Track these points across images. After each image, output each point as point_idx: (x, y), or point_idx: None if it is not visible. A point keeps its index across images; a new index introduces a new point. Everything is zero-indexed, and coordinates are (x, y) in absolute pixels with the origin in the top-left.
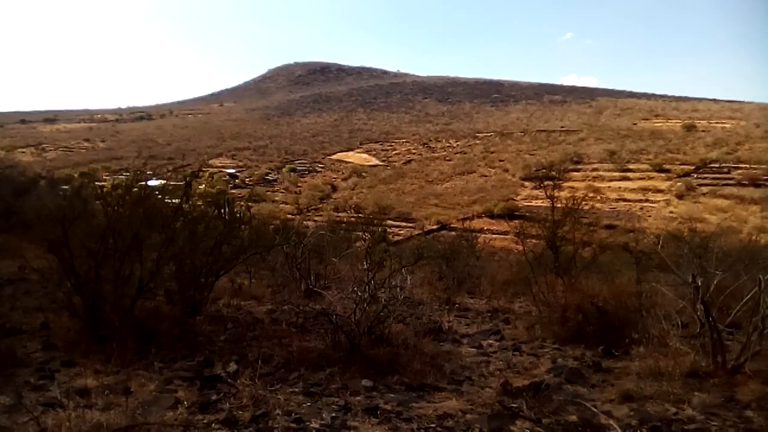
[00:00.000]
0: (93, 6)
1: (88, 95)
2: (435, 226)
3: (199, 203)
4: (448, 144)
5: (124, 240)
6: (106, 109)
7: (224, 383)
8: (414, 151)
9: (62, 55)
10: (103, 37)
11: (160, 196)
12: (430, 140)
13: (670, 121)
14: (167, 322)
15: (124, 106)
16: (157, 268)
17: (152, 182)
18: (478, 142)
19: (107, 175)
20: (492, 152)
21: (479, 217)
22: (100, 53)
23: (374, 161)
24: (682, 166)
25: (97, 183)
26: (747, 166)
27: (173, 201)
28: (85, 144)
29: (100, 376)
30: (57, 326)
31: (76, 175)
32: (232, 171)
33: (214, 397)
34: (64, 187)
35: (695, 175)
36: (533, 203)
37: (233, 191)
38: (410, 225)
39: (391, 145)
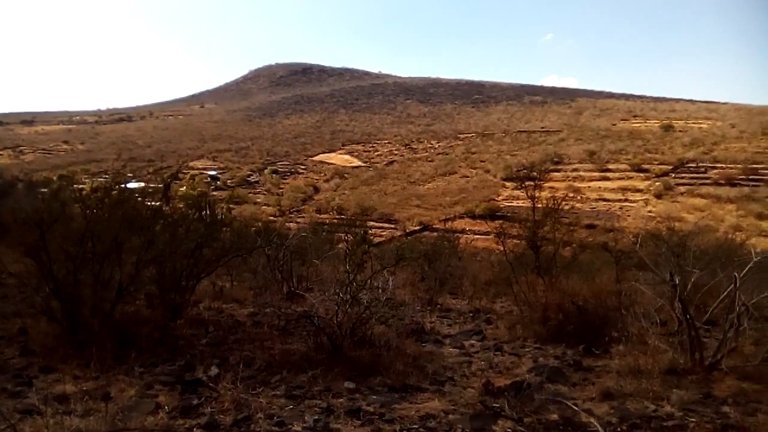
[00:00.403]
0: (71, 6)
1: (67, 97)
2: (417, 227)
3: (180, 205)
4: (429, 145)
5: (103, 243)
6: (85, 110)
7: (205, 387)
8: (396, 152)
9: (40, 56)
10: (81, 37)
11: (139, 199)
12: (412, 141)
13: (648, 121)
14: (147, 326)
15: (103, 107)
16: (137, 272)
17: (132, 185)
18: (459, 143)
19: (86, 178)
20: (473, 153)
21: (461, 217)
22: (79, 54)
23: (356, 162)
24: (660, 166)
25: (76, 186)
26: (723, 165)
27: (153, 203)
28: (64, 146)
29: (79, 382)
30: (35, 331)
31: (54, 178)
32: (213, 173)
33: (195, 402)
34: (43, 190)
35: (673, 175)
36: (514, 203)
37: (214, 193)
38: (392, 226)
39: (373, 146)
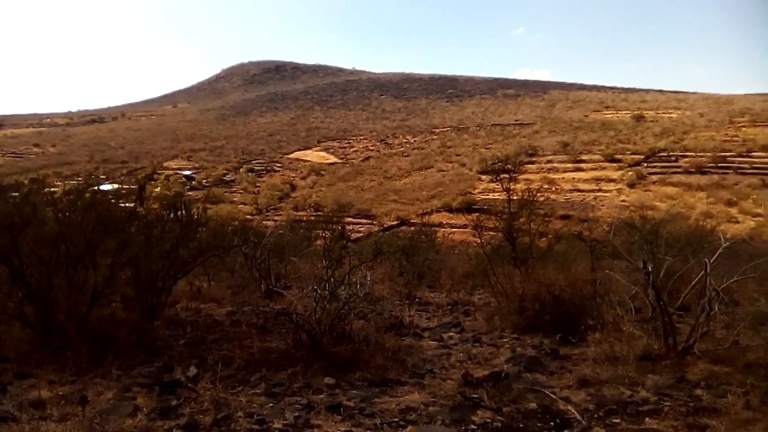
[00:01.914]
0: (37, 7)
1: (36, 99)
2: (394, 222)
3: (155, 206)
4: (405, 140)
5: (76, 246)
6: (55, 112)
7: (184, 388)
8: (372, 148)
9: (7, 58)
10: (50, 39)
11: (113, 201)
12: (388, 137)
13: (619, 112)
14: (124, 329)
15: (74, 109)
16: (112, 274)
17: (105, 186)
18: (434, 137)
19: (59, 181)
20: (449, 147)
21: (438, 211)
22: (49, 55)
23: (332, 159)
24: (632, 156)
25: (48, 189)
26: (693, 154)
27: (127, 205)
28: (35, 149)
29: (55, 387)
30: (8, 337)
31: (25, 182)
32: (188, 173)
33: (174, 403)
34: (13, 194)
35: (645, 164)
36: (490, 196)
37: (190, 193)
38: (370, 222)
39: (348, 143)
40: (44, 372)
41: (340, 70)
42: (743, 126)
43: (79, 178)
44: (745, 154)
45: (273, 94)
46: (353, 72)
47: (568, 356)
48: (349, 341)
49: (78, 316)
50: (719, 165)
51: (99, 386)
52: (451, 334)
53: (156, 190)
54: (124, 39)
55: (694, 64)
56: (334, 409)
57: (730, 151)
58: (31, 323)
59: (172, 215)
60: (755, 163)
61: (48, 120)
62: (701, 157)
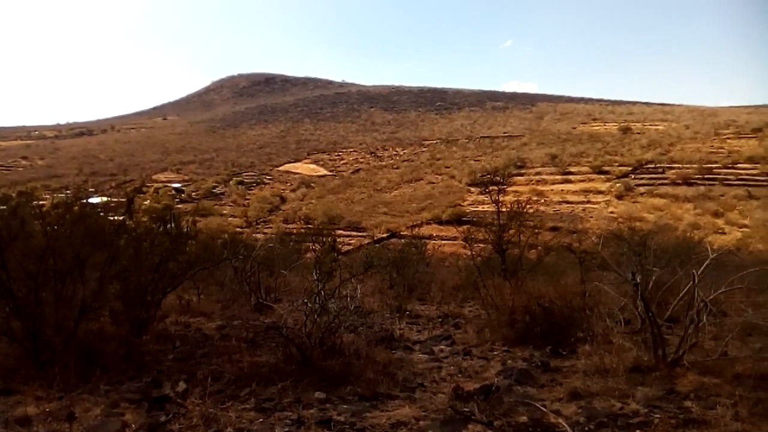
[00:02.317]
0: (26, 18)
1: (25, 111)
2: (385, 234)
3: (144, 219)
4: (395, 152)
5: (64, 260)
6: (44, 125)
7: (173, 403)
8: (361, 160)
9: None
10: (38, 51)
11: (102, 214)
12: (377, 149)
13: (607, 124)
14: (113, 343)
15: (63, 122)
16: (101, 288)
17: (94, 199)
18: (424, 149)
19: (47, 194)
20: (438, 159)
21: (428, 223)
22: (37, 68)
23: (322, 171)
24: (620, 168)
25: (36, 202)
26: (680, 165)
27: (116, 218)
28: (23, 162)
29: (41, 403)
30: None
31: (13, 195)
32: (177, 185)
33: (163, 419)
34: (1, 207)
35: (633, 176)
36: (480, 208)
37: (179, 206)
38: (360, 234)
39: (338, 155)
40: (31, 388)
41: (330, 83)
42: (728, 138)
43: (68, 191)
44: (730, 165)
45: (263, 106)
46: (343, 84)
47: (559, 369)
48: (339, 355)
49: (66, 330)
50: (705, 176)
51: (87, 402)
52: (441, 347)
53: (145, 202)
54: (113, 51)
55: (679, 76)
56: (324, 424)
57: (716, 162)
58: (17, 338)
59: (161, 228)
60: (741, 174)
61: (36, 132)
62: (688, 168)
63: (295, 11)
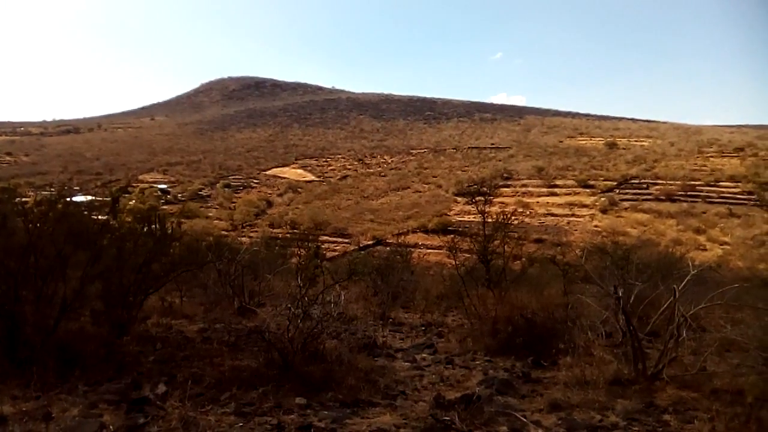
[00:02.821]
0: (15, 13)
1: (11, 107)
2: (370, 242)
3: (128, 219)
4: (382, 160)
5: (46, 258)
6: (30, 121)
7: (152, 406)
8: (349, 166)
9: None
10: (26, 46)
11: (86, 213)
12: (365, 156)
13: (593, 139)
14: (93, 343)
15: (49, 118)
16: (82, 287)
17: (79, 198)
18: (412, 158)
19: (31, 191)
20: (426, 168)
21: (414, 232)
22: (24, 63)
23: (310, 177)
24: (605, 182)
25: (19, 199)
26: (663, 182)
27: (100, 217)
28: (7, 158)
29: (18, 402)
30: None
31: None
32: (163, 186)
33: (141, 421)
34: None
35: (617, 191)
36: (466, 218)
37: (165, 207)
38: (346, 240)
39: (326, 161)
40: (7, 387)
41: (320, 89)
42: (711, 156)
43: (52, 189)
44: (713, 183)
45: (252, 110)
46: (332, 91)
47: (540, 380)
48: (321, 361)
49: (45, 329)
50: (688, 193)
51: (64, 402)
52: (424, 355)
53: (130, 203)
54: (102, 50)
55: (665, 94)
56: (304, 430)
57: (699, 180)
58: None
59: (145, 229)
60: (723, 192)
61: (22, 129)
62: (671, 185)
63: (286, 16)
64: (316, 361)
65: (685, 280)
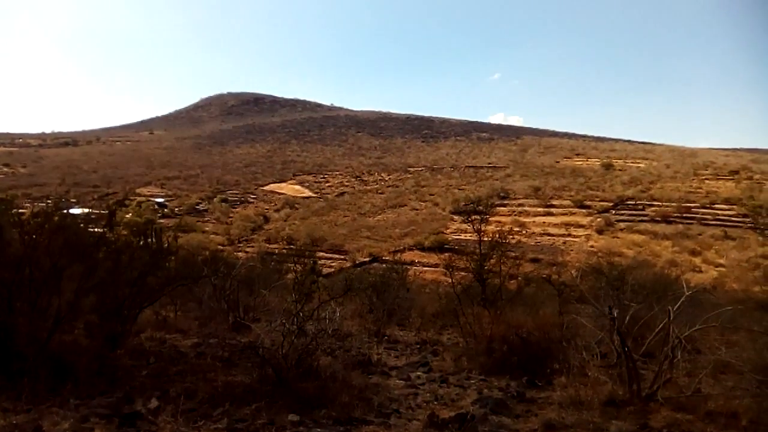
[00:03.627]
0: (14, 25)
1: (9, 118)
2: (367, 259)
3: (124, 232)
4: (380, 177)
5: (41, 270)
6: (28, 133)
7: (144, 420)
8: (347, 183)
9: None
10: (24, 58)
11: (82, 225)
12: (363, 173)
13: (590, 159)
14: (86, 357)
15: (48, 130)
16: (77, 300)
17: (75, 210)
18: (409, 176)
19: (28, 202)
20: (423, 186)
21: (410, 249)
22: (23, 75)
23: (307, 193)
24: (601, 203)
25: (15, 210)
26: (659, 203)
27: (96, 230)
28: (5, 169)
29: (8, 415)
30: None
31: None
32: (160, 200)
33: None
34: None
35: (613, 212)
36: (462, 236)
37: (162, 221)
38: (342, 257)
39: (324, 178)
40: None
41: (319, 106)
42: (707, 179)
43: (49, 201)
44: (708, 205)
45: (250, 125)
46: (331, 108)
47: (534, 399)
48: (315, 377)
49: (38, 341)
50: (684, 215)
51: (55, 416)
52: (418, 373)
53: (127, 216)
54: (102, 63)
55: (661, 116)
56: None
57: (695, 202)
58: None
59: (141, 242)
60: (718, 214)
61: (20, 140)
62: (667, 207)
63: (287, 34)
64: (310, 377)
65: (680, 301)
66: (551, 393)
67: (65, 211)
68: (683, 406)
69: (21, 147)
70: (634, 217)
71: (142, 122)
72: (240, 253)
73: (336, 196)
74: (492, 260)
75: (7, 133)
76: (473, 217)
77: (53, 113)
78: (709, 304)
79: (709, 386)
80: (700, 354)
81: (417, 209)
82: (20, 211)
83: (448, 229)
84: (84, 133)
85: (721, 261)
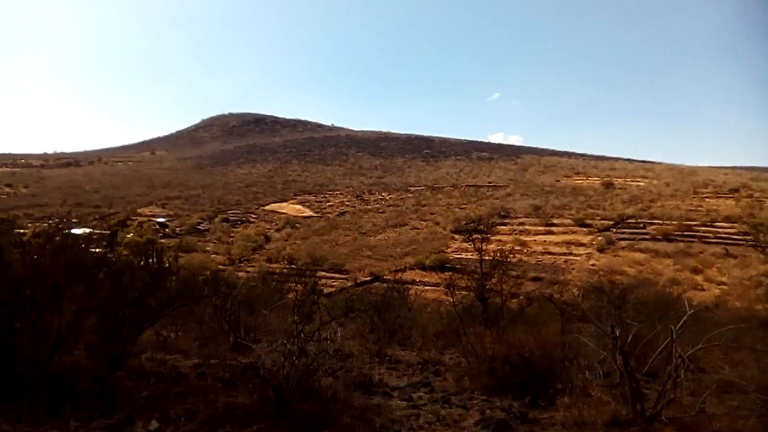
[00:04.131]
0: (16, 47)
1: (11, 139)
2: (368, 278)
3: (126, 253)
4: (381, 197)
5: (42, 291)
6: (31, 153)
7: None
8: (348, 203)
9: None
10: (27, 78)
11: (83, 245)
12: (364, 193)
13: (590, 178)
14: (86, 378)
15: (50, 151)
16: (77, 321)
17: (77, 230)
18: (410, 195)
19: (29, 222)
20: (423, 205)
21: (411, 269)
22: (25, 96)
23: (308, 212)
24: (602, 221)
25: (17, 230)
26: (660, 222)
27: (97, 250)
28: (7, 189)
29: None
30: None
31: None
32: (162, 220)
33: None
34: None
35: (614, 230)
36: (463, 256)
37: (163, 241)
38: (343, 276)
39: (325, 197)
40: None
41: (319, 126)
42: (707, 197)
43: (51, 221)
44: (709, 223)
45: (252, 146)
46: (332, 128)
47: (537, 420)
48: (316, 398)
49: (38, 363)
50: (685, 233)
51: None
52: (420, 394)
53: (128, 236)
54: (104, 84)
55: (660, 135)
56: None
57: (695, 220)
58: None
59: (142, 262)
60: (718, 233)
61: (23, 161)
62: (668, 225)
63: (288, 55)
64: (312, 398)
65: (683, 320)
66: (554, 413)
67: (66, 231)
68: (688, 426)
69: (23, 167)
70: (635, 236)
71: (144, 143)
72: (241, 273)
73: (337, 215)
74: (493, 279)
75: (10, 154)
76: (474, 236)
77: (55, 134)
78: (712, 323)
79: (713, 406)
80: (703, 373)
81: (418, 228)
82: (22, 231)
83: (449, 248)
84: (86, 153)
85: (723, 279)
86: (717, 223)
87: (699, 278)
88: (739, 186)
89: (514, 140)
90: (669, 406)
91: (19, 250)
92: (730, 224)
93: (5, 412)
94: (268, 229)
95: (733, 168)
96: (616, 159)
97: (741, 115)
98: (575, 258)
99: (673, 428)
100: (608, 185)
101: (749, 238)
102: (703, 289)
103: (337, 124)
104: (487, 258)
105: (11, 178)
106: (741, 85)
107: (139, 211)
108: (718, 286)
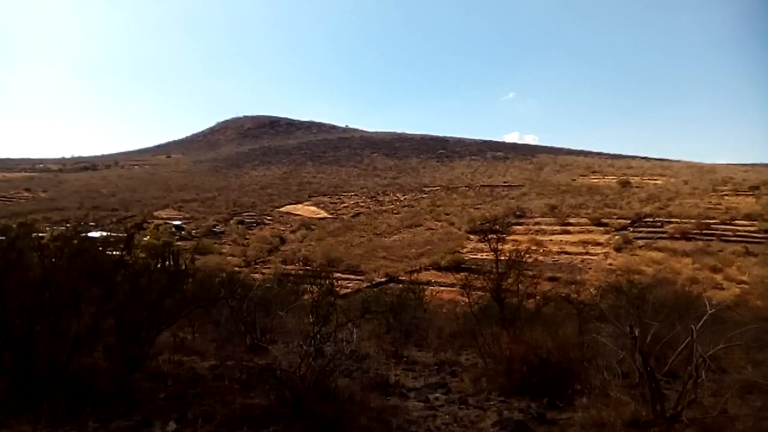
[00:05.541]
0: (33, 51)
1: (30, 144)
2: (383, 279)
3: (142, 255)
4: (395, 197)
5: (60, 293)
6: (48, 158)
7: None
8: (362, 204)
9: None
10: (45, 84)
11: (101, 248)
12: (378, 194)
13: (606, 177)
14: (104, 380)
15: (67, 155)
16: (95, 323)
17: (94, 234)
18: (424, 195)
19: (47, 226)
20: (438, 206)
21: (427, 269)
22: (43, 101)
23: (323, 214)
24: (619, 220)
25: (36, 234)
26: (678, 220)
27: (115, 253)
28: (26, 194)
29: None
30: None
31: (13, 226)
32: (178, 223)
33: None
34: (0, 238)
35: (631, 229)
36: (479, 256)
37: (179, 243)
38: (359, 277)
39: (339, 198)
40: (18, 422)
41: (334, 128)
42: (726, 194)
43: (68, 225)
44: (728, 221)
45: (266, 148)
46: (346, 130)
47: (555, 421)
48: (333, 400)
49: (58, 364)
50: (704, 232)
51: None
52: (437, 395)
53: (145, 239)
54: (121, 88)
55: (678, 132)
56: None
57: (714, 218)
58: (8, 371)
59: (159, 265)
60: (738, 231)
61: (41, 165)
62: (686, 223)
63: (302, 57)
64: (328, 399)
65: (703, 319)
66: (573, 414)
67: (84, 234)
68: (709, 428)
69: (42, 172)
70: (652, 234)
71: (160, 146)
72: (257, 275)
73: (352, 216)
74: (509, 279)
75: (29, 159)
76: (490, 236)
77: (73, 138)
78: (733, 322)
79: (735, 407)
80: (725, 373)
81: (433, 229)
82: (40, 235)
83: (464, 248)
84: (103, 157)
85: (744, 278)
86: (736, 221)
87: (719, 277)
88: (759, 183)
89: (530, 140)
90: (690, 407)
91: (37, 253)
92: (750, 222)
93: (25, 414)
94: (283, 230)
95: (753, 165)
96: (633, 157)
97: (761, 111)
98: (592, 257)
99: (694, 429)
100: (625, 184)
101: None
102: (723, 288)
103: (351, 126)
104: (502, 258)
105: (30, 183)
106: (761, 81)
107: (155, 214)
108: (739, 285)
